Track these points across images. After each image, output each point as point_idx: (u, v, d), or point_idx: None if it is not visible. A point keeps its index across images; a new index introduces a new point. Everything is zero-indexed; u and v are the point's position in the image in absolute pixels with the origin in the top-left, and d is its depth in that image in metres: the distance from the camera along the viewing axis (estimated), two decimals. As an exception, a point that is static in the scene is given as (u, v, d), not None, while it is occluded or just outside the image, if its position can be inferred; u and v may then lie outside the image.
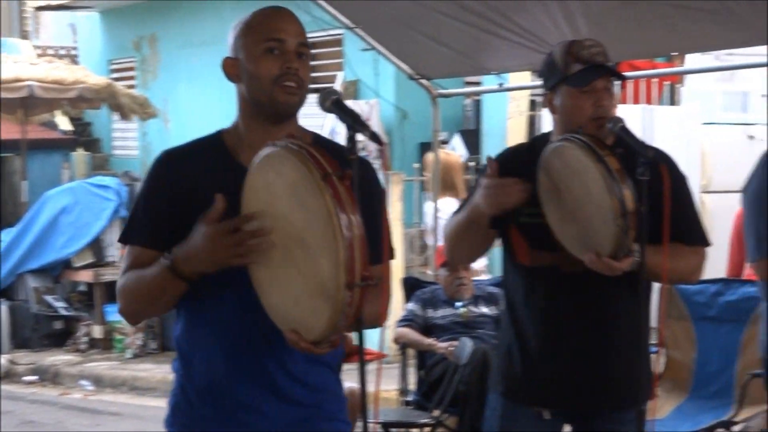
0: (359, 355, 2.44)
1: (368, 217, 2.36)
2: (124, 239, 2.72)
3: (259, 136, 2.57)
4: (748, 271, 6.08)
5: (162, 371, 9.79)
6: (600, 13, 5.39)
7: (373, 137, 2.41)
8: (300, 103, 2.62)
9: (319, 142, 2.62)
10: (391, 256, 2.70)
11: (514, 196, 3.25)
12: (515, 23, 5.79)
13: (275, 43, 2.61)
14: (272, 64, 2.59)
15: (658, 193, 3.20)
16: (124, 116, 12.63)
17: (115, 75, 15.34)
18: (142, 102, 12.67)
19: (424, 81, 6.90)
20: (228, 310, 2.61)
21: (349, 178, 2.32)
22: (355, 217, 2.29)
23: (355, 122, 2.42)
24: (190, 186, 2.62)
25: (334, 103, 2.49)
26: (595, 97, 3.33)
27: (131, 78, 15.43)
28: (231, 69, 2.68)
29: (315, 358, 2.60)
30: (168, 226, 2.60)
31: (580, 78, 3.34)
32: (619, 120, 3.36)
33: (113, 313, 10.64)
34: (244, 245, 2.41)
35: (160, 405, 9.01)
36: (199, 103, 14.05)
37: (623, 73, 3.32)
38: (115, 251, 11.28)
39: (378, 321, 2.56)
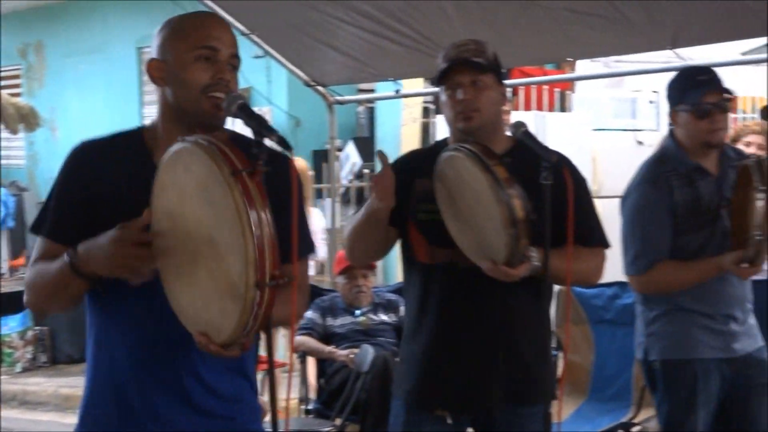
0: (269, 362, 2.39)
1: (281, 213, 2.30)
2: (35, 230, 2.65)
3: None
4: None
5: (53, 385, 9.55)
6: (498, 20, 5.42)
7: (281, 142, 2.37)
8: (226, 115, 2.55)
9: (234, 139, 2.56)
10: (309, 250, 2.66)
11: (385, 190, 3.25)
12: (413, 29, 5.80)
13: (209, 51, 2.55)
14: (203, 73, 2.53)
15: (561, 197, 3.23)
16: (9, 127, 12.32)
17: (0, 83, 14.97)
18: (27, 112, 12.37)
19: (320, 88, 6.86)
20: (138, 313, 2.55)
21: (260, 174, 2.26)
22: (265, 215, 2.23)
23: (261, 127, 2.37)
24: (103, 181, 2.56)
25: (240, 108, 2.44)
26: (457, 91, 3.36)
27: (17, 86, 15.05)
28: (156, 72, 2.60)
29: (229, 366, 2.55)
30: (77, 220, 2.54)
31: (440, 75, 3.40)
32: (522, 124, 3.38)
33: (3, 326, 10.37)
34: (137, 260, 2.36)
35: (52, 419, 8.77)
36: (87, 111, 13.79)
37: (482, 65, 3.35)
38: (4, 263, 10.99)
39: (289, 321, 2.51)
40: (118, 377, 2.57)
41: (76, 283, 2.48)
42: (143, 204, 2.39)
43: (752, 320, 4.13)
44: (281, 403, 2.79)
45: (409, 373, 3.52)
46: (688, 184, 3.95)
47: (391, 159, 3.46)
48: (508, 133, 3.47)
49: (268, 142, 2.34)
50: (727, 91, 3.92)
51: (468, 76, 3.37)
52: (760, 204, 3.67)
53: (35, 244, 2.67)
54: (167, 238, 2.36)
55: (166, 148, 2.44)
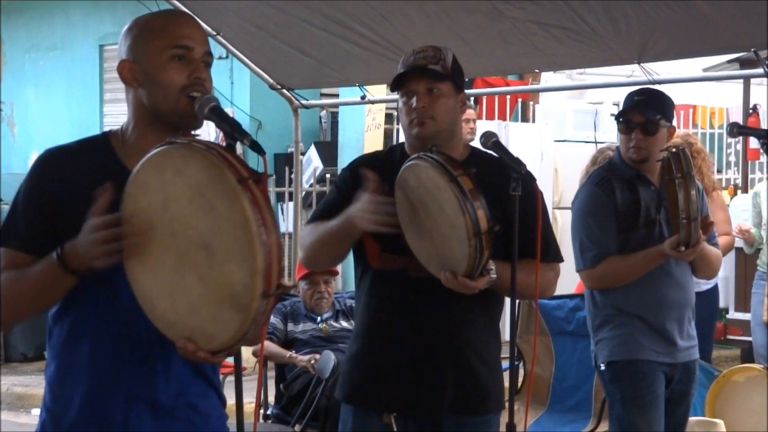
0: (236, 369, 2.38)
1: None
2: (1, 241, 2.55)
3: (153, 144, 2.39)
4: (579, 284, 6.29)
5: (6, 383, 9.42)
6: (464, 29, 5.43)
7: (254, 146, 2.34)
8: (201, 117, 2.48)
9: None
10: None
11: (384, 216, 3.23)
12: (379, 35, 5.79)
13: (183, 50, 2.50)
14: (179, 73, 2.48)
15: (526, 209, 3.24)
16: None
17: (-42, 77, 14.81)
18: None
19: (285, 91, 6.83)
20: (105, 319, 2.49)
21: (265, 182, 2.23)
22: (272, 224, 2.20)
23: (234, 130, 2.34)
24: (72, 188, 2.48)
25: (212, 110, 2.41)
26: (412, 98, 3.36)
27: (-25, 81, 14.91)
28: (129, 73, 2.54)
29: (198, 373, 2.52)
30: (47, 230, 2.46)
31: (396, 81, 3.40)
32: (492, 135, 3.38)
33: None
34: (108, 245, 2.30)
35: (6, 418, 8.64)
36: (46, 109, 13.67)
37: (439, 73, 3.37)
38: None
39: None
40: (84, 381, 2.52)
41: (64, 282, 2.41)
42: (114, 210, 2.34)
43: (693, 331, 4.35)
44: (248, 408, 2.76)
45: (354, 372, 3.51)
46: (629, 189, 4.24)
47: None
48: (476, 143, 3.48)
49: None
50: (655, 117, 4.18)
51: (424, 83, 3.36)
52: (680, 190, 3.97)
53: None
54: (144, 239, 2.31)
55: (139, 151, 2.39)
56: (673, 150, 4.06)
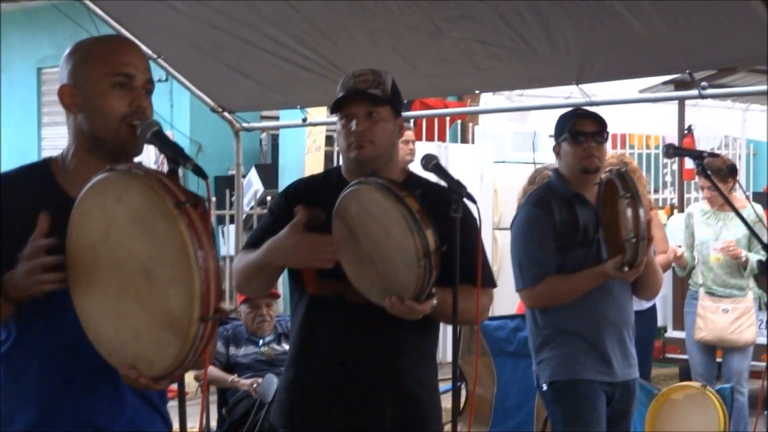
0: (179, 392, 2.37)
1: None
2: None
3: (94, 170, 2.38)
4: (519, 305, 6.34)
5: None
6: (406, 49, 5.44)
7: (197, 170, 2.34)
8: (142, 143, 2.48)
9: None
10: None
11: (325, 257, 3.21)
12: (321, 56, 5.78)
13: (124, 78, 2.50)
14: (120, 101, 2.48)
15: (464, 233, 3.26)
16: None
17: None
18: None
19: (226, 114, 6.81)
20: (53, 345, 2.47)
21: (202, 205, 2.23)
22: (210, 248, 2.20)
23: (176, 155, 2.34)
24: (13, 215, 2.46)
25: (154, 135, 2.40)
26: (351, 121, 3.36)
27: None
28: (69, 99, 2.53)
29: (144, 399, 2.50)
30: None
31: (335, 105, 3.41)
32: (433, 158, 3.40)
33: None
34: (52, 274, 2.30)
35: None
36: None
37: (379, 97, 3.38)
38: None
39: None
40: (32, 406, 2.49)
41: (2, 308, 2.39)
42: (58, 237, 2.33)
43: (633, 350, 4.39)
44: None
45: (290, 399, 3.49)
46: (568, 208, 4.27)
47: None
48: (415, 165, 3.48)
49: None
50: (604, 126, 4.29)
51: (363, 107, 3.37)
52: (628, 210, 4.00)
53: None
54: (86, 267, 2.30)
55: (80, 178, 2.39)
56: (619, 170, 4.12)
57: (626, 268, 4.08)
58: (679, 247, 6.89)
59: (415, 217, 3.07)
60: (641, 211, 4.02)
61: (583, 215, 4.26)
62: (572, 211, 4.26)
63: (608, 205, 4.15)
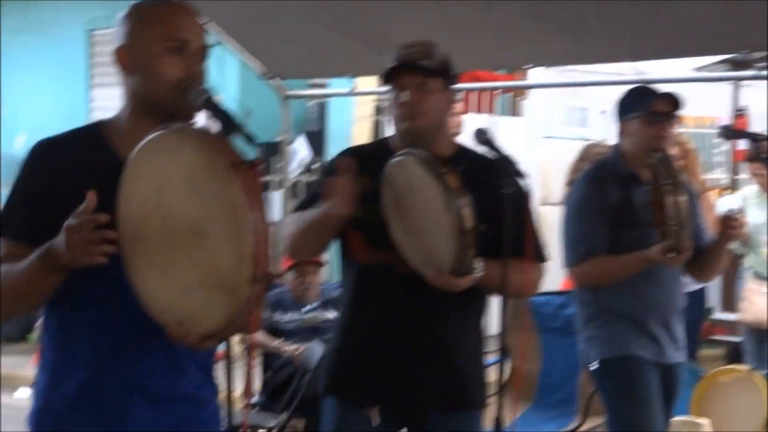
0: (227, 357, 2.38)
1: None
2: None
3: (147, 132, 2.39)
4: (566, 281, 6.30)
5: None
6: (457, 21, 5.41)
7: (248, 138, 2.34)
8: (195, 109, 2.49)
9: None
10: None
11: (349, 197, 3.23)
12: (371, 26, 5.76)
13: (179, 43, 2.50)
14: (175, 66, 2.49)
15: (514, 208, 3.24)
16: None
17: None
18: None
19: (273, 81, 6.81)
20: (100, 305, 2.49)
21: (258, 168, 2.23)
22: (262, 210, 2.20)
23: (227, 122, 2.34)
24: (66, 179, 2.48)
25: (206, 102, 2.41)
26: (402, 92, 3.36)
27: (-39, 63, 14.81)
28: (125, 60, 2.54)
29: (194, 361, 2.50)
30: (43, 221, 2.45)
31: (386, 74, 3.40)
32: (485, 131, 3.38)
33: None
34: (92, 245, 2.29)
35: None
36: (32, 93, 13.61)
37: (429, 69, 3.37)
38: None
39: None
40: (81, 368, 2.51)
41: (49, 279, 2.41)
42: (110, 200, 2.34)
43: (681, 333, 4.36)
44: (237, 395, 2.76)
45: (337, 365, 3.53)
46: (623, 188, 4.22)
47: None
48: (463, 139, 3.48)
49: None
50: (678, 106, 4.20)
51: (414, 78, 3.37)
52: (669, 197, 3.98)
53: None
54: (138, 225, 2.31)
55: (133, 140, 2.39)
56: (660, 155, 4.06)
57: (672, 254, 4.04)
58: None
59: (452, 195, 3.08)
60: (682, 198, 3.98)
61: (638, 196, 4.22)
62: (628, 191, 4.22)
63: (654, 187, 4.12)
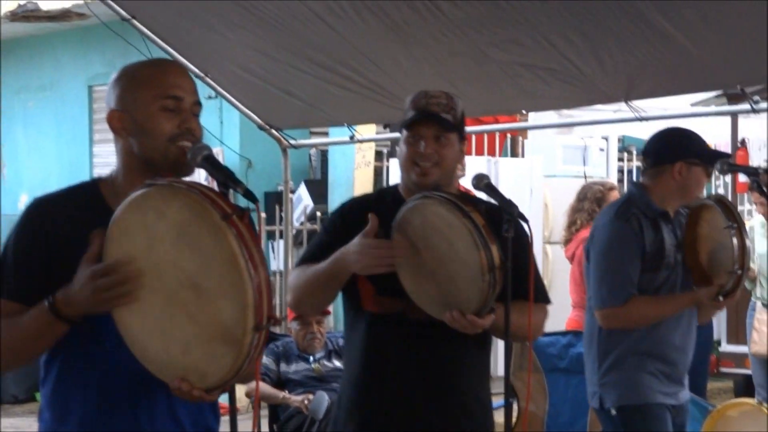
0: (231, 409, 2.39)
1: None
2: None
3: None
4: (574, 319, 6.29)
5: (-4, 427, 9.36)
6: (450, 72, 5.44)
7: (247, 194, 2.35)
8: (193, 166, 2.49)
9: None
10: None
11: (388, 260, 3.21)
12: (367, 78, 5.80)
13: (172, 101, 2.52)
14: (169, 123, 2.51)
15: (516, 251, 3.25)
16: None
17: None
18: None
19: (274, 131, 6.86)
20: (92, 365, 2.50)
21: (248, 216, 2.25)
22: (260, 257, 2.22)
23: (227, 179, 2.36)
24: (63, 236, 2.49)
25: (205, 159, 2.42)
26: (420, 142, 3.34)
27: (-36, 122, 14.91)
28: (118, 123, 2.56)
29: (197, 413, 2.53)
30: (39, 279, 2.47)
31: (406, 122, 3.38)
32: (484, 177, 3.39)
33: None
34: (113, 290, 2.31)
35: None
36: (36, 149, 13.69)
37: (450, 123, 3.36)
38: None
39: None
40: (77, 427, 2.52)
41: (55, 329, 2.42)
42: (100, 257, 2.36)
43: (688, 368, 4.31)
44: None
45: (351, 419, 3.48)
46: (654, 227, 4.11)
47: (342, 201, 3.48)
48: (467, 185, 3.49)
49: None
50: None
51: (434, 130, 3.36)
52: (734, 240, 3.90)
53: None
54: (135, 285, 2.31)
55: None
56: (717, 196, 4.04)
57: (720, 298, 3.98)
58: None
59: (482, 232, 3.08)
60: (748, 242, 3.93)
61: (668, 236, 4.14)
62: (659, 230, 4.12)
63: (690, 228, 4.06)
